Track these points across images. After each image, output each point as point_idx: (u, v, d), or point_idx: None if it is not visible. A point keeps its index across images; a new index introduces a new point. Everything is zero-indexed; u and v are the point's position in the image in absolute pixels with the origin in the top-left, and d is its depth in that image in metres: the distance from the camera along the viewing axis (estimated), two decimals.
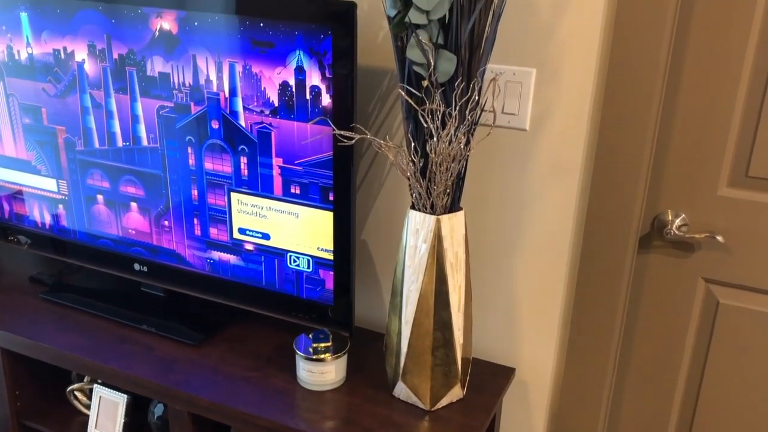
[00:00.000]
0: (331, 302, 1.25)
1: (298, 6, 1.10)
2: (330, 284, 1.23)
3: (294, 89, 1.14)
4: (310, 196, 1.19)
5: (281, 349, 1.34)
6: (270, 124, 1.18)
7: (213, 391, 1.20)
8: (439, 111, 1.01)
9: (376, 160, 1.35)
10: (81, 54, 1.31)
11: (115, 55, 1.28)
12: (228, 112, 1.21)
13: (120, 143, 1.34)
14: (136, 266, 1.43)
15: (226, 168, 1.25)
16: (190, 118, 1.25)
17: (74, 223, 1.46)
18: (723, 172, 1.16)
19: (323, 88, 1.12)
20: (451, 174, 1.04)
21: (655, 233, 1.24)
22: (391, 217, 1.36)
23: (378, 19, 1.25)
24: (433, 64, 0.99)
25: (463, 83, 1.00)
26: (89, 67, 1.32)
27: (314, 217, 1.21)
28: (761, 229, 1.16)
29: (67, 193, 1.45)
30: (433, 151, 1.02)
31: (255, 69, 1.16)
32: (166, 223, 1.35)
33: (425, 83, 1.02)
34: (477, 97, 1.02)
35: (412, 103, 1.03)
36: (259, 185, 1.23)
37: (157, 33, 1.22)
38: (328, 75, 1.11)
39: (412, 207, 1.09)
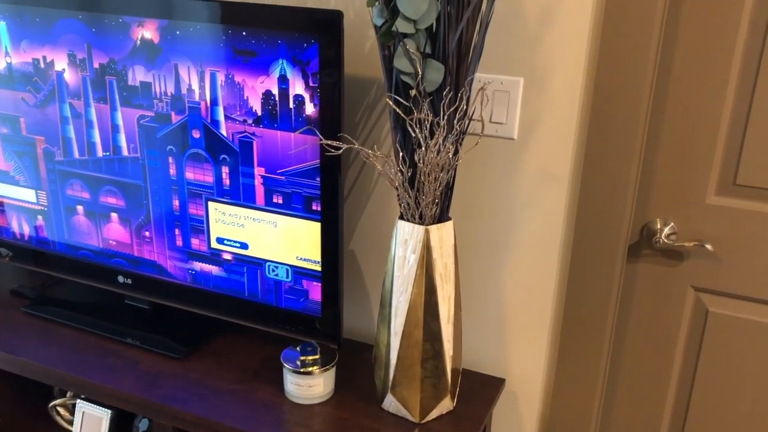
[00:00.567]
0: (318, 313, 1.23)
1: (283, 15, 1.09)
2: (314, 295, 1.22)
3: (277, 98, 1.13)
4: (293, 206, 1.18)
5: (268, 361, 1.32)
6: (253, 134, 1.17)
7: (199, 405, 1.18)
8: (427, 120, 1.00)
9: (363, 170, 1.33)
10: (61, 63, 1.29)
11: (96, 65, 1.26)
12: (209, 121, 1.20)
13: (100, 153, 1.32)
14: (120, 278, 1.40)
15: (208, 178, 1.24)
16: (171, 128, 1.24)
17: (54, 234, 1.44)
18: (711, 181, 1.16)
19: (307, 96, 1.11)
20: (440, 184, 1.03)
21: (644, 242, 1.23)
22: (379, 227, 1.35)
23: (365, 28, 1.24)
24: (420, 73, 0.98)
25: (451, 92, 0.99)
26: (69, 77, 1.30)
27: (293, 227, 1.19)
28: (749, 237, 1.16)
29: (46, 203, 1.42)
30: (421, 161, 1.01)
31: (237, 78, 1.15)
32: (147, 233, 1.33)
33: (413, 92, 1.01)
34: (465, 107, 1.01)
35: (400, 112, 1.02)
36: (240, 195, 1.22)
37: (138, 42, 1.21)
38: (312, 84, 1.10)
39: (401, 217, 1.08)
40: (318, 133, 1.12)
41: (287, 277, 1.23)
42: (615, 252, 1.21)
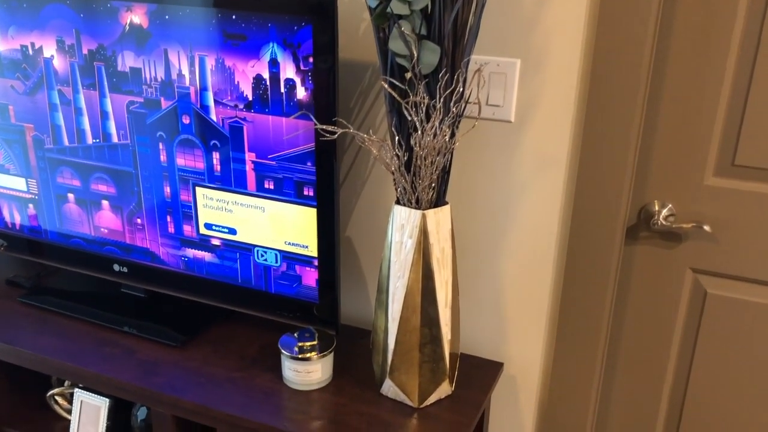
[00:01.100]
0: (315, 300, 1.23)
1: None
2: (307, 280, 1.21)
3: (268, 82, 1.12)
4: (284, 191, 1.17)
5: (266, 348, 1.31)
6: (244, 119, 1.16)
7: (197, 393, 1.17)
8: (423, 103, 0.99)
9: (359, 154, 1.32)
10: (49, 50, 1.27)
11: (85, 51, 1.24)
12: (199, 106, 1.19)
13: (90, 140, 1.30)
14: (116, 267, 1.39)
15: (199, 164, 1.23)
16: (160, 114, 1.22)
17: (46, 222, 1.43)
18: (709, 162, 1.15)
19: (298, 80, 1.10)
20: (437, 168, 1.02)
21: (642, 224, 1.23)
22: (375, 212, 1.34)
23: (359, 11, 1.22)
24: (416, 55, 0.97)
25: (448, 75, 0.98)
26: (58, 63, 1.28)
27: (281, 212, 1.19)
28: (748, 218, 1.15)
29: (36, 192, 1.41)
30: (417, 145, 1.00)
31: (228, 62, 1.14)
32: (139, 221, 1.32)
33: (408, 75, 1.00)
34: (461, 89, 1.00)
35: (395, 95, 1.01)
36: (232, 181, 1.21)
37: (127, 27, 1.19)
38: (303, 67, 1.09)
39: (397, 202, 1.07)
40: (313, 118, 1.11)
41: (276, 262, 1.23)
42: (613, 234, 1.21)
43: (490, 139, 1.20)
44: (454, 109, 1.00)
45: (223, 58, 1.15)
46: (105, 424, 1.36)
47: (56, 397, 1.48)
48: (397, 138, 1.03)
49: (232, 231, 1.25)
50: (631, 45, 1.11)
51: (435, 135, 0.99)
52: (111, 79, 1.24)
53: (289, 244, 1.21)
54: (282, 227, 1.20)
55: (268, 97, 1.13)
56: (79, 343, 1.32)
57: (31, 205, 1.43)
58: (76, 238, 1.41)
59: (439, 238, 1.06)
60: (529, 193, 1.20)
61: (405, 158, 1.03)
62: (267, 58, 1.12)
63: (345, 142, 1.32)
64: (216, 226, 1.26)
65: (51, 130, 1.34)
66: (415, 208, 1.04)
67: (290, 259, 1.22)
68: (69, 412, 1.46)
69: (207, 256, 1.29)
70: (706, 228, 1.16)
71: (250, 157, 1.18)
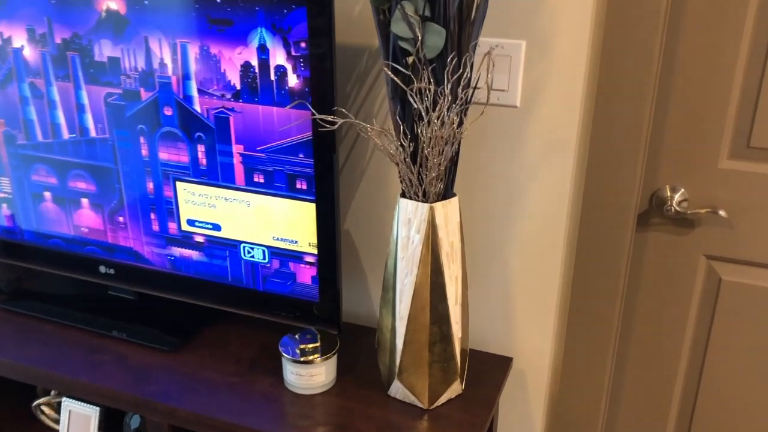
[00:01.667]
0: (311, 298, 1.17)
1: None
2: (302, 278, 1.16)
3: (257, 70, 1.06)
4: (275, 185, 1.11)
5: (264, 351, 1.25)
6: (232, 109, 1.09)
7: (193, 400, 1.11)
8: (429, 90, 0.93)
9: (356, 144, 1.26)
10: (19, 39, 1.19)
11: (58, 40, 1.17)
12: (182, 97, 1.12)
13: (66, 135, 1.23)
14: (102, 268, 1.32)
15: (183, 158, 1.16)
16: (140, 106, 1.15)
17: (21, 222, 1.35)
18: (723, 144, 1.11)
19: (289, 67, 1.04)
20: (445, 158, 0.96)
21: (653, 210, 1.18)
22: (374, 205, 1.28)
23: None
24: (420, 38, 0.91)
25: (456, 58, 0.92)
26: (29, 54, 1.20)
27: (270, 206, 1.13)
28: (764, 202, 1.11)
29: (10, 191, 1.33)
30: (423, 134, 0.94)
31: (213, 50, 1.07)
32: (121, 219, 1.26)
33: (410, 60, 0.94)
34: (469, 74, 0.94)
35: (399, 82, 0.94)
36: (218, 175, 1.14)
37: (103, 14, 1.12)
38: (294, 53, 1.03)
39: (403, 195, 1.01)
40: (310, 107, 1.04)
41: (264, 259, 1.17)
42: (625, 222, 1.16)
43: (494, 126, 1.15)
44: (462, 95, 0.94)
45: (208, 45, 1.08)
46: None
47: (42, 407, 1.41)
48: (402, 127, 0.97)
49: (216, 227, 1.19)
50: (642, 23, 1.06)
51: (443, 123, 0.93)
52: (88, 70, 1.17)
53: (277, 239, 1.15)
54: (270, 222, 1.15)
55: (257, 86, 1.07)
56: (66, 350, 1.25)
57: (5, 205, 1.35)
58: (55, 238, 1.34)
59: (448, 232, 1.00)
60: (537, 181, 1.15)
61: (410, 149, 0.97)
62: (255, 44, 1.05)
63: (341, 131, 1.26)
64: (199, 222, 1.20)
65: (23, 125, 1.26)
66: (422, 201, 0.99)
67: (279, 255, 1.16)
68: (57, 422, 1.39)
69: (194, 254, 1.23)
70: (722, 213, 1.12)
71: (237, 149, 1.12)
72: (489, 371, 1.20)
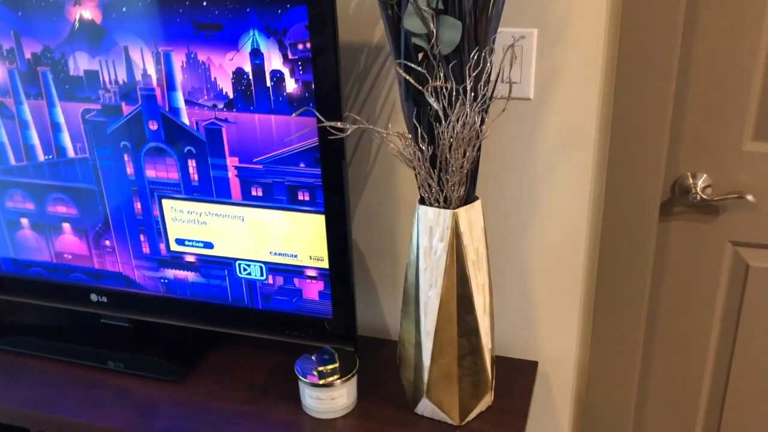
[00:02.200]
0: (322, 314, 1.10)
1: None
2: (309, 293, 1.09)
3: (251, 76, 0.98)
4: (276, 198, 1.04)
5: (276, 373, 1.18)
6: (225, 120, 1.02)
7: None
8: (446, 89, 0.86)
9: (359, 148, 1.19)
10: None
11: (27, 55, 1.08)
12: (167, 109, 1.04)
13: (41, 157, 1.15)
14: (93, 296, 1.24)
15: (172, 174, 1.08)
16: (122, 121, 1.07)
17: None
18: (747, 125, 1.06)
19: (287, 71, 0.96)
20: (467, 160, 0.89)
21: (676, 198, 1.13)
22: (381, 211, 1.21)
23: None
24: (435, 33, 0.84)
25: (476, 54, 0.85)
26: None
27: (264, 219, 1.07)
28: None
29: None
30: (444, 136, 0.87)
31: (201, 57, 0.99)
32: (108, 242, 1.17)
33: (420, 56, 0.87)
34: (490, 68, 0.87)
35: (414, 82, 0.87)
36: (213, 190, 1.07)
37: (77, 24, 1.03)
38: (291, 56, 0.95)
39: (422, 202, 0.94)
40: (317, 114, 0.97)
41: (261, 275, 1.11)
42: (650, 213, 1.11)
43: (507, 120, 1.08)
44: (484, 92, 0.87)
45: (195, 53, 1.00)
46: None
47: None
48: (419, 130, 0.90)
49: (209, 245, 1.11)
50: (661, 4, 1.00)
51: (465, 123, 0.86)
52: (63, 86, 1.08)
53: (276, 254, 1.08)
54: (267, 237, 1.08)
55: (252, 94, 1.00)
56: (60, 387, 1.16)
57: None
58: (35, 267, 1.24)
59: (472, 239, 0.94)
60: (554, 176, 1.09)
61: (429, 152, 0.90)
62: (248, 48, 0.98)
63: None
64: (189, 241, 1.12)
65: None
66: (444, 208, 0.92)
67: (278, 270, 1.09)
68: None
69: (190, 275, 1.15)
70: (750, 198, 1.07)
71: (232, 162, 1.05)
72: (516, 378, 1.14)
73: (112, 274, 1.20)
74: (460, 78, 0.86)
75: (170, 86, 1.03)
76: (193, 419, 1.07)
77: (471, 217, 0.93)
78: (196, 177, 1.08)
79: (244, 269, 1.12)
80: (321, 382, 1.04)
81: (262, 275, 1.11)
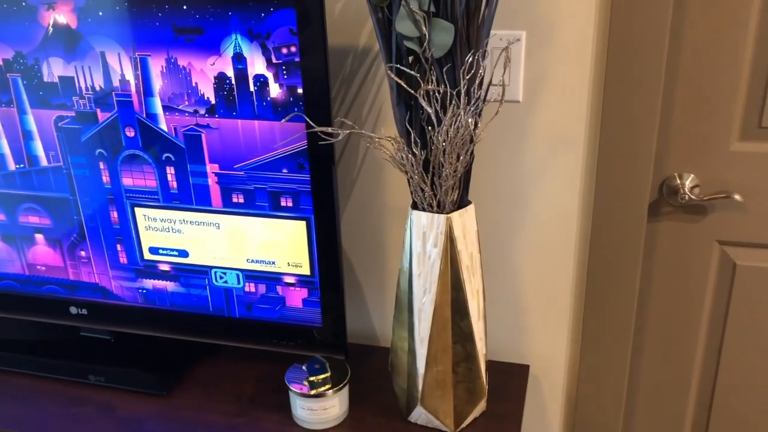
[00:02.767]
0: (310, 322, 1.08)
1: None
2: (292, 301, 1.07)
3: (234, 81, 0.96)
4: (257, 204, 1.02)
5: (263, 383, 1.15)
6: (207, 126, 0.99)
7: None
8: (439, 92, 0.85)
9: (345, 152, 1.17)
10: None
11: None
12: (145, 116, 1.01)
13: (12, 166, 1.11)
14: (73, 309, 1.20)
15: (150, 182, 1.05)
16: (98, 128, 1.04)
17: None
18: (734, 126, 1.07)
19: (270, 76, 0.94)
20: (461, 164, 0.88)
21: (664, 199, 1.14)
22: (367, 216, 1.20)
23: None
24: (427, 36, 0.82)
25: (470, 57, 0.84)
26: None
27: (241, 226, 1.05)
28: None
29: None
30: (438, 140, 0.86)
31: (182, 62, 0.97)
32: (83, 253, 1.14)
33: (411, 59, 0.86)
34: (482, 71, 0.86)
35: (406, 86, 0.86)
36: (192, 198, 1.04)
37: (50, 29, 1.00)
38: (275, 60, 0.93)
39: (414, 207, 0.93)
40: (307, 119, 0.95)
41: (238, 283, 1.09)
42: (639, 215, 1.11)
43: (496, 123, 1.08)
44: (477, 95, 0.86)
45: (176, 58, 0.97)
46: None
47: None
48: (412, 135, 0.88)
49: (183, 253, 1.08)
50: (650, 6, 1.00)
51: (459, 127, 0.85)
52: (37, 93, 1.04)
53: (252, 261, 1.06)
54: (244, 244, 1.06)
55: (235, 99, 0.97)
56: (40, 405, 1.12)
57: None
58: (6, 280, 1.20)
59: (466, 243, 0.93)
60: (544, 179, 1.09)
61: (422, 157, 0.89)
62: (230, 53, 0.96)
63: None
64: (163, 249, 1.09)
65: None
66: (438, 212, 0.91)
67: (255, 278, 1.08)
68: None
69: (169, 285, 1.12)
70: (738, 197, 1.08)
71: (212, 169, 1.02)
72: (508, 382, 1.14)
73: (88, 285, 1.17)
74: (453, 81, 0.85)
75: (148, 92, 1.00)
76: None
77: (465, 221, 0.92)
78: (175, 184, 1.05)
79: (221, 277, 1.10)
80: (312, 392, 1.02)
81: (239, 283, 1.09)
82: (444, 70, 0.84)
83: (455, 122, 0.85)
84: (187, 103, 1.00)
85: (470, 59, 0.83)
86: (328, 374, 1.04)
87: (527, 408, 1.25)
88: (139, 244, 1.11)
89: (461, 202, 0.93)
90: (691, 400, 1.27)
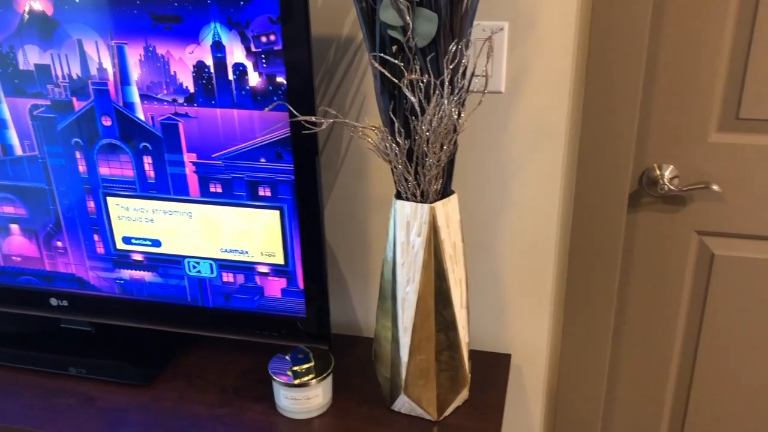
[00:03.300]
0: (292, 312, 1.08)
1: None
2: (271, 291, 1.07)
3: (212, 70, 0.95)
4: (235, 194, 1.02)
5: (246, 374, 1.15)
6: (185, 114, 0.99)
7: None
8: (423, 82, 0.85)
9: (329, 141, 1.17)
10: None
11: None
12: (121, 104, 1.00)
13: None
14: (53, 300, 1.18)
15: (127, 171, 1.05)
16: (74, 117, 1.03)
17: None
18: (712, 117, 1.09)
19: (249, 65, 0.94)
20: (445, 154, 0.88)
21: (644, 189, 1.15)
22: (350, 206, 1.20)
23: None
24: (411, 26, 0.82)
25: (454, 46, 0.84)
26: None
27: (215, 216, 1.04)
28: (755, 173, 1.10)
29: None
30: (422, 130, 0.86)
31: (160, 50, 0.96)
32: (60, 243, 1.13)
33: (394, 48, 0.86)
34: (466, 62, 0.87)
35: (389, 75, 0.86)
36: (170, 187, 1.04)
37: (26, 16, 0.98)
38: (254, 49, 0.93)
39: (398, 196, 0.93)
40: (290, 108, 0.95)
41: (211, 273, 1.09)
42: (619, 206, 1.12)
43: (478, 113, 1.08)
44: (461, 85, 0.86)
45: (154, 46, 0.97)
46: None
47: None
48: (396, 124, 0.89)
49: (156, 243, 1.08)
50: None
51: (442, 116, 0.85)
52: (12, 81, 1.03)
53: (226, 251, 1.06)
54: (217, 233, 1.06)
55: (214, 87, 0.97)
56: (20, 397, 1.11)
57: None
58: None
59: (450, 233, 0.93)
60: (526, 169, 1.09)
61: (406, 146, 0.89)
62: (209, 41, 0.95)
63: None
64: (135, 239, 1.09)
65: None
66: (421, 202, 0.91)
67: (228, 267, 1.08)
68: None
69: (147, 275, 1.11)
70: (716, 188, 1.10)
71: (189, 158, 1.02)
72: (490, 371, 1.15)
73: (65, 275, 1.16)
74: (437, 71, 0.85)
75: (125, 81, 0.99)
76: (163, 425, 1.03)
77: (448, 211, 0.93)
78: (152, 174, 1.05)
79: (194, 267, 1.09)
80: (296, 382, 1.02)
81: (212, 272, 1.09)
82: (428, 59, 0.84)
83: (439, 111, 0.85)
84: (165, 92, 0.99)
85: (454, 49, 0.83)
86: (312, 364, 1.05)
87: (509, 396, 1.26)
88: (112, 234, 1.10)
89: (445, 192, 0.93)
90: (670, 387, 1.29)
